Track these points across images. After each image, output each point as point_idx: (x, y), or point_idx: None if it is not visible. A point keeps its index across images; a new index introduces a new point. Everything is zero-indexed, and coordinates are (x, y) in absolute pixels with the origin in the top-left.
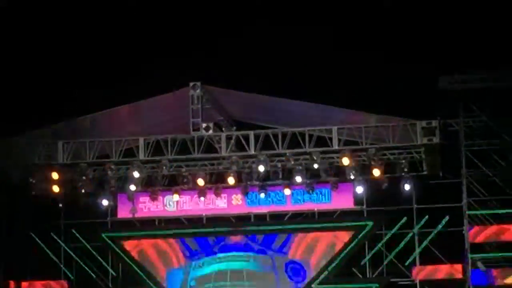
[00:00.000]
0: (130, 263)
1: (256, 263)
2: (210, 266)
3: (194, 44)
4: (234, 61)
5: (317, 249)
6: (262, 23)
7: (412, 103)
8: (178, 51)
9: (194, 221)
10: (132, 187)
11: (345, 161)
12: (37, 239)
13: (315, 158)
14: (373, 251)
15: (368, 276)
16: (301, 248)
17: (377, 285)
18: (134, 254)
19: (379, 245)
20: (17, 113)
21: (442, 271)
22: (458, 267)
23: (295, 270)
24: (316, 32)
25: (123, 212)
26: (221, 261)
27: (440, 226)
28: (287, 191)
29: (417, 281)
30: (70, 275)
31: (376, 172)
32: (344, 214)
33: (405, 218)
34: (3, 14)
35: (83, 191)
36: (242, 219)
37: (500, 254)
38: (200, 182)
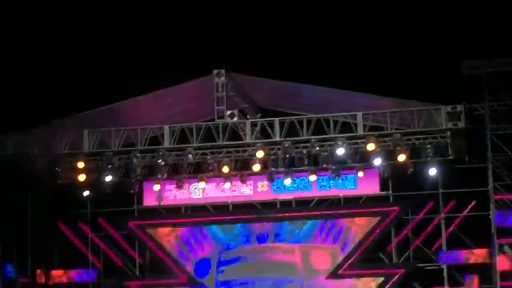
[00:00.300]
0: (157, 251)
1: (282, 253)
2: (238, 256)
3: (219, 31)
4: (258, 48)
5: (343, 235)
6: (285, 12)
7: (437, 88)
8: (202, 38)
9: (220, 208)
10: (158, 175)
11: (370, 146)
12: (64, 228)
13: (340, 144)
14: (399, 237)
15: (394, 261)
16: (328, 235)
17: (404, 270)
18: (161, 242)
19: (406, 230)
20: (43, 102)
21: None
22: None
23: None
24: (341, 17)
25: (149, 200)
26: (248, 251)
27: (466, 211)
28: (312, 177)
29: (444, 266)
30: (97, 264)
31: (402, 157)
32: (370, 200)
33: (431, 203)
34: None
35: (109, 179)
36: (268, 206)
37: None
38: (225, 169)
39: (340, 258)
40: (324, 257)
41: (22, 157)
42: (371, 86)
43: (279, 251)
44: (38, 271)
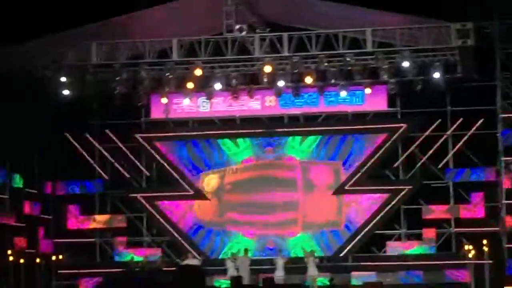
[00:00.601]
0: (164, 163)
1: (284, 168)
2: (244, 172)
3: None
4: None
5: (349, 151)
6: None
7: (446, 5)
8: None
9: (227, 122)
10: (166, 88)
11: (378, 63)
12: (72, 139)
13: (348, 59)
14: (406, 153)
15: (401, 178)
16: (333, 150)
17: (410, 187)
18: (167, 155)
19: (413, 147)
20: (52, 12)
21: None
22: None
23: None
24: None
25: (157, 113)
26: (252, 167)
27: (474, 129)
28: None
29: (450, 183)
30: (104, 176)
31: (409, 74)
32: (378, 116)
33: (439, 121)
34: None
35: (117, 91)
36: (275, 121)
37: None
38: (233, 83)
39: (343, 174)
40: (326, 173)
41: (31, 67)
42: (381, 2)
43: (282, 167)
44: (47, 183)
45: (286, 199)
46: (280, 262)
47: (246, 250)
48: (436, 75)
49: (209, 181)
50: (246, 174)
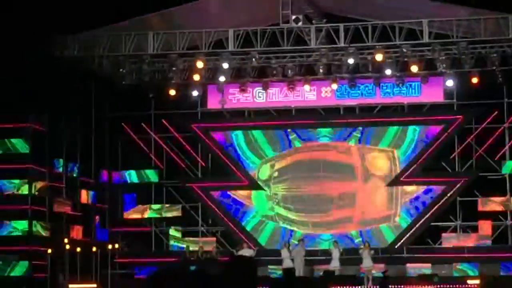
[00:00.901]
0: (220, 153)
1: (338, 153)
2: (291, 157)
3: None
4: None
5: (405, 142)
6: None
7: None
8: None
9: (283, 113)
10: (222, 79)
11: (435, 54)
12: (128, 129)
13: (405, 51)
14: (462, 146)
15: (457, 170)
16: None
17: (466, 179)
18: (223, 145)
19: (469, 139)
20: (109, 3)
21: None
22: None
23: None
24: None
25: (213, 103)
26: (300, 151)
27: None
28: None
29: (507, 175)
30: (160, 165)
31: (466, 66)
32: (434, 108)
33: (495, 112)
34: None
35: (173, 81)
36: (331, 112)
37: None
38: (289, 74)
39: (398, 163)
40: (381, 161)
41: (88, 57)
42: None
43: (337, 150)
44: (104, 171)
45: (343, 190)
46: (335, 253)
47: (301, 241)
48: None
49: (264, 170)
50: (295, 157)
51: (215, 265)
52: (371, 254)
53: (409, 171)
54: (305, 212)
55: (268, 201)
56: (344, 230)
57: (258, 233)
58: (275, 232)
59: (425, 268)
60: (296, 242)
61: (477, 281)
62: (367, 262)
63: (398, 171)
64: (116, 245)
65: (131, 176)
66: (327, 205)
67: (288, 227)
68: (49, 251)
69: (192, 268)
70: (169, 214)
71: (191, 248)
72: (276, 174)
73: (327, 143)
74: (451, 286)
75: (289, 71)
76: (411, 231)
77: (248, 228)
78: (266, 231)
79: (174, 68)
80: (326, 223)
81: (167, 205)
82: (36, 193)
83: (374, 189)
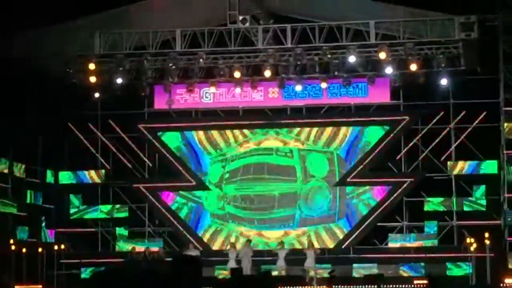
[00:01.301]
0: (167, 154)
1: (279, 157)
2: (240, 160)
3: None
4: None
5: (351, 143)
6: None
7: None
8: None
9: (230, 113)
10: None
11: (382, 55)
12: (75, 129)
13: (352, 52)
14: (408, 146)
15: (403, 170)
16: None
17: (412, 180)
18: (170, 145)
19: (415, 140)
20: (56, 2)
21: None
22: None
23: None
24: None
25: (160, 103)
26: (248, 155)
27: (476, 122)
28: (323, 85)
29: (452, 176)
30: (107, 165)
31: (413, 67)
32: (381, 109)
33: (441, 113)
34: None
35: (120, 82)
36: (278, 112)
37: None
38: (237, 74)
39: (342, 165)
40: (321, 163)
41: (35, 57)
42: None
43: (275, 156)
44: (49, 172)
45: (283, 190)
46: (281, 254)
47: (248, 242)
48: (413, 66)
49: (213, 171)
50: (244, 160)
51: (162, 265)
52: (316, 254)
53: (355, 172)
54: (251, 210)
55: (219, 201)
56: (289, 229)
57: (205, 233)
58: (223, 233)
59: (372, 268)
60: (244, 243)
61: (424, 281)
62: (308, 262)
63: (338, 172)
64: (62, 246)
65: (78, 176)
66: (269, 203)
67: (236, 224)
68: None
69: (139, 268)
70: (115, 215)
71: (137, 249)
72: (227, 175)
73: (271, 145)
74: (398, 286)
75: (236, 72)
76: (358, 232)
77: (195, 229)
78: (213, 232)
79: (121, 68)
80: (269, 220)
81: (116, 207)
82: None
83: (315, 190)
